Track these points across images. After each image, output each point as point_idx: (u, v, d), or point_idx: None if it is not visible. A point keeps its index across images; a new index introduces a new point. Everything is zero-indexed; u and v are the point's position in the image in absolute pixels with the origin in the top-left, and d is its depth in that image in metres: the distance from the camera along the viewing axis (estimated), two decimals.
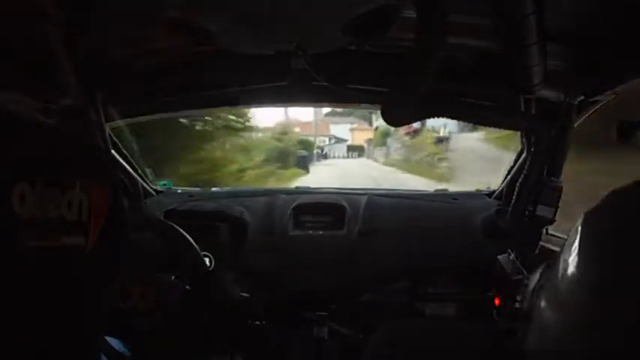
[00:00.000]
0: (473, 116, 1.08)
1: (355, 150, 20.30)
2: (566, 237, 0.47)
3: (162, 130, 3.68)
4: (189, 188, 1.88)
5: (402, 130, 12.58)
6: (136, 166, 1.63)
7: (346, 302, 1.50)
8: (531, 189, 1.15)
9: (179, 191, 1.79)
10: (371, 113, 12.62)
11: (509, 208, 1.20)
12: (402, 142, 14.08)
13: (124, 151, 1.58)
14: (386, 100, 0.97)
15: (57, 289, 0.37)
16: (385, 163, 14.60)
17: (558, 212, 1.13)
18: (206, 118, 5.01)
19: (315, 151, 16.29)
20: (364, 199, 1.59)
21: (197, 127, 5.12)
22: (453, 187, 1.91)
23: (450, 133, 11.94)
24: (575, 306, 0.42)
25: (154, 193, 1.68)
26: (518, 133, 1.39)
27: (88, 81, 1.09)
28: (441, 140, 11.97)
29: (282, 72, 1.24)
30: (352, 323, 1.44)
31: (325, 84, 1.13)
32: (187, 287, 1.19)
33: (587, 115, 1.16)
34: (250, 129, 8.26)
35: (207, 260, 1.34)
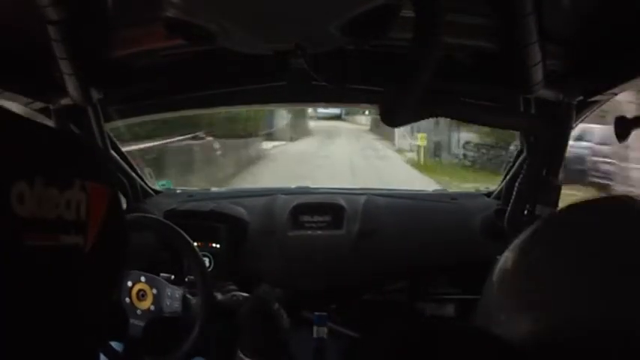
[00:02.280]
0: (472, 116, 1.08)
1: None
2: None
3: None
4: (189, 188, 1.88)
5: None
6: (135, 167, 1.63)
7: (346, 302, 1.50)
8: (530, 189, 1.15)
9: (178, 191, 1.79)
10: None
11: (509, 208, 1.20)
12: None
13: (124, 151, 1.58)
14: (384, 100, 0.97)
15: (56, 288, 0.37)
16: None
17: None
18: None
19: None
20: (363, 199, 1.59)
21: None
22: None
23: None
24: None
25: (153, 193, 1.68)
26: None
27: (87, 81, 1.08)
28: None
29: (282, 72, 1.24)
30: (352, 323, 1.44)
31: (325, 84, 1.13)
32: (186, 289, 1.19)
33: (586, 114, 1.16)
34: None
35: (206, 260, 1.34)
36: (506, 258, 0.46)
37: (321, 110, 23.53)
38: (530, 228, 0.47)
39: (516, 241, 0.47)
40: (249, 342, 1.07)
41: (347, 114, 25.09)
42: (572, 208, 0.48)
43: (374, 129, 19.79)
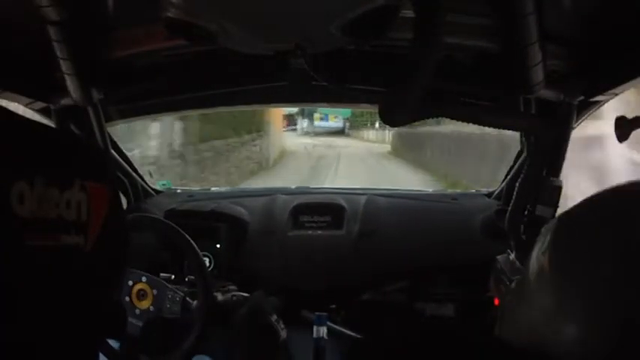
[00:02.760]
0: (472, 116, 1.08)
1: None
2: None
3: None
4: (189, 188, 1.89)
5: None
6: (136, 167, 1.63)
7: (346, 302, 1.50)
8: (531, 189, 1.15)
9: (179, 191, 1.79)
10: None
11: (509, 208, 1.20)
12: None
13: (124, 151, 1.58)
14: (384, 101, 0.97)
15: (57, 288, 0.37)
16: None
17: None
18: None
19: None
20: (363, 199, 1.59)
21: None
22: None
23: None
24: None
25: (153, 193, 1.68)
26: None
27: (88, 81, 1.08)
28: None
29: (282, 72, 1.24)
30: (352, 323, 1.44)
31: (325, 84, 1.13)
32: (186, 289, 1.19)
33: (587, 115, 1.16)
34: None
35: (206, 260, 1.34)
36: (541, 263, 0.44)
37: (319, 123, 19.61)
38: (553, 227, 0.45)
39: (543, 242, 0.45)
40: (245, 355, 1.07)
41: (351, 127, 19.57)
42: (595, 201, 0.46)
43: (400, 150, 10.77)
